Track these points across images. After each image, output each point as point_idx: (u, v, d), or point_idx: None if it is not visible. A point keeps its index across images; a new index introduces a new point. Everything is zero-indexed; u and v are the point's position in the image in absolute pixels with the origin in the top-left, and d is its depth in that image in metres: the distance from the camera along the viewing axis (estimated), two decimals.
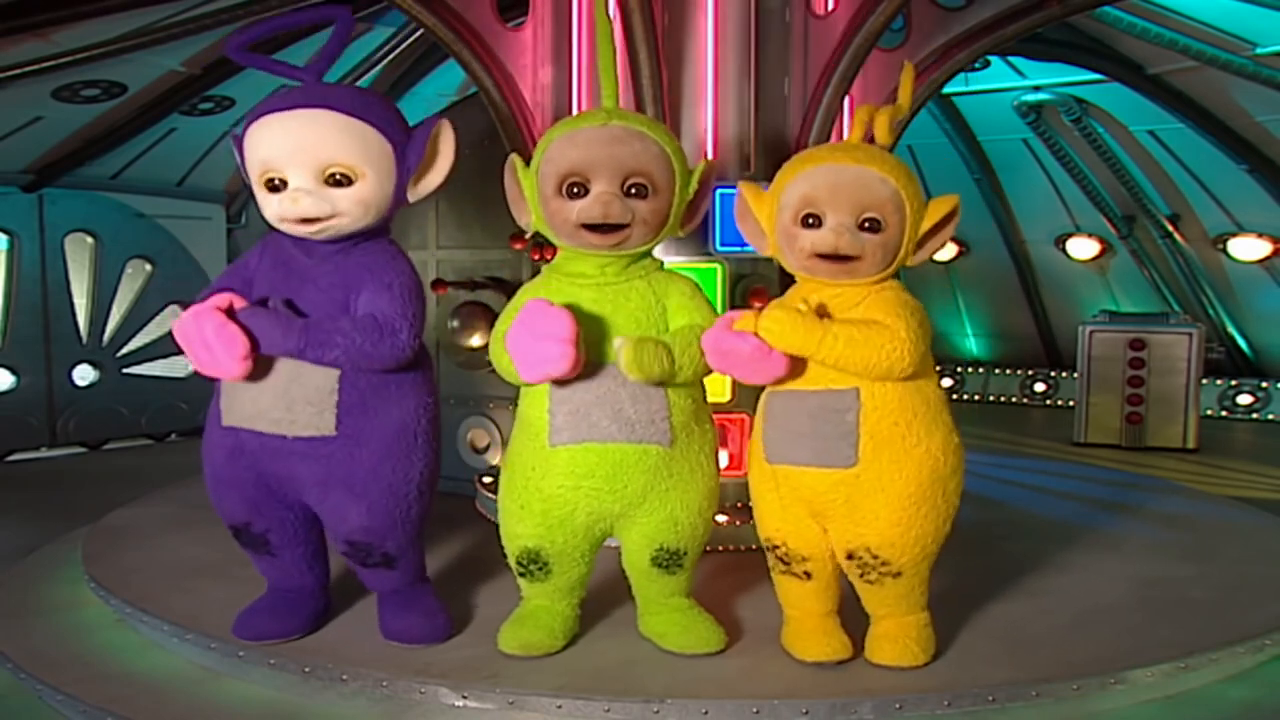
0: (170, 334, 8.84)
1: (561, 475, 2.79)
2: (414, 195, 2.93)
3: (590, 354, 2.73)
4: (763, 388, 2.84)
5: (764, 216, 2.81)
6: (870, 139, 2.78)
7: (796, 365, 2.66)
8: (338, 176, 2.74)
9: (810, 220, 2.66)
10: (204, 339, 2.65)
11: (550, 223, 2.82)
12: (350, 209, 2.78)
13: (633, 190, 2.73)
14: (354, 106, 2.78)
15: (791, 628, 2.97)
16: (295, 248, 2.88)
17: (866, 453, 2.65)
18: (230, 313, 2.69)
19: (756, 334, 2.60)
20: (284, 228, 2.81)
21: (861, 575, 2.78)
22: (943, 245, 2.82)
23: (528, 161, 2.89)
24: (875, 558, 2.73)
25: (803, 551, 2.85)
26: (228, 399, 2.88)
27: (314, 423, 2.80)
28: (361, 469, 2.86)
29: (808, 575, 2.88)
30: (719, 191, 4.03)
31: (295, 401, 2.79)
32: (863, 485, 2.67)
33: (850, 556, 2.77)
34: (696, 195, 2.88)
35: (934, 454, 2.68)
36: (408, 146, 2.85)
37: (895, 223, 2.65)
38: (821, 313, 2.66)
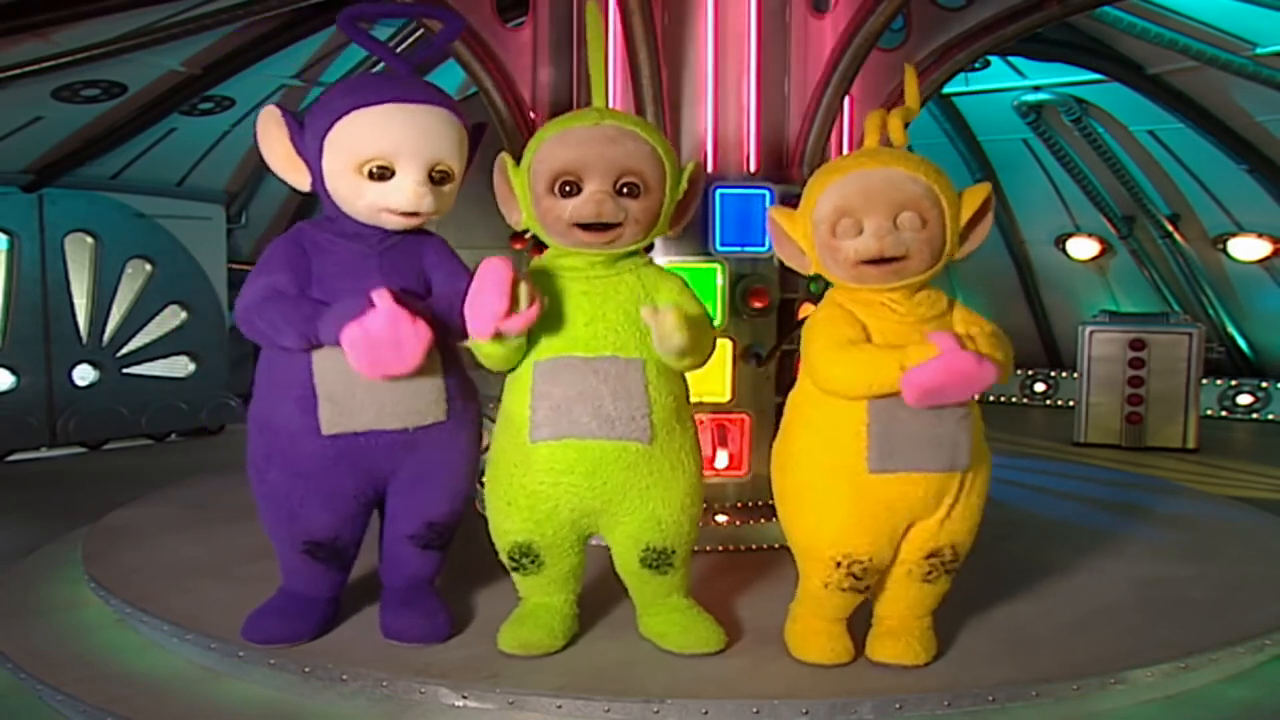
0: (170, 334, 8.80)
1: (542, 471, 2.80)
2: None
3: (573, 348, 2.75)
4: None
5: (800, 236, 2.80)
6: (886, 143, 2.79)
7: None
8: (440, 174, 2.86)
9: (848, 230, 2.66)
10: (397, 337, 2.65)
11: (542, 221, 2.82)
12: (442, 206, 2.91)
13: (625, 189, 2.74)
14: (456, 108, 2.90)
15: (797, 627, 2.96)
16: (344, 240, 2.89)
17: (974, 454, 2.73)
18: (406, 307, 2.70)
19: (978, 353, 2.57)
20: (381, 218, 2.86)
21: (928, 574, 2.81)
22: (985, 236, 2.82)
23: (518, 160, 2.89)
24: (954, 554, 2.81)
25: (883, 564, 2.82)
26: (336, 407, 2.83)
27: (433, 411, 2.89)
28: (462, 452, 3.01)
29: (867, 588, 2.85)
30: (719, 191, 4.04)
31: (419, 394, 2.85)
32: (968, 485, 2.76)
33: (931, 555, 2.80)
34: (686, 195, 2.89)
35: (987, 453, 2.83)
36: (474, 150, 2.98)
37: (934, 218, 2.65)
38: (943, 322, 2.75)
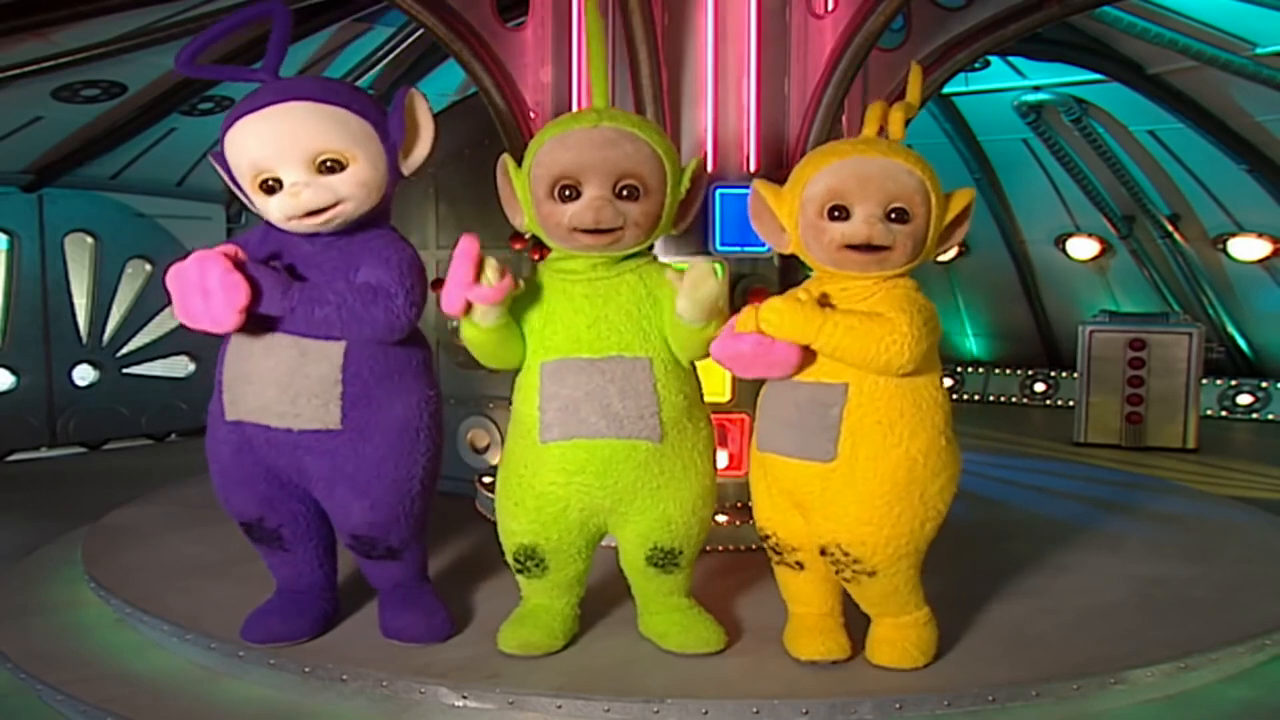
0: (170, 334, 8.78)
1: (553, 471, 2.80)
2: (407, 168, 2.94)
3: (578, 350, 2.76)
4: (763, 383, 2.85)
5: (784, 213, 2.80)
6: (884, 135, 2.80)
7: (808, 357, 2.67)
8: (329, 163, 2.74)
9: (837, 213, 2.67)
10: (205, 285, 2.59)
11: (543, 225, 2.82)
12: (352, 192, 2.78)
13: (624, 192, 2.73)
14: (324, 94, 2.78)
15: (792, 625, 2.98)
16: (296, 237, 2.86)
17: (845, 448, 2.66)
18: (235, 263, 2.64)
19: (759, 329, 2.61)
20: (291, 226, 2.80)
21: (837, 572, 2.79)
22: (962, 237, 2.84)
23: (519, 162, 2.89)
24: (846, 555, 2.72)
25: (791, 542, 2.87)
26: (231, 393, 2.87)
27: (319, 416, 2.80)
28: (366, 463, 2.86)
29: (799, 565, 2.90)
30: (719, 191, 4.04)
31: (300, 394, 2.78)
32: (836, 480, 2.68)
33: (824, 552, 2.77)
34: (689, 194, 2.88)
35: (913, 455, 2.66)
36: (387, 123, 2.85)
37: (922, 214, 2.67)
38: (824, 303, 2.67)
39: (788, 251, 2.87)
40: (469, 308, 2.69)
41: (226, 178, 2.87)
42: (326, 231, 2.83)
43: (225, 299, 2.59)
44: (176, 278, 2.62)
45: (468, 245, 2.63)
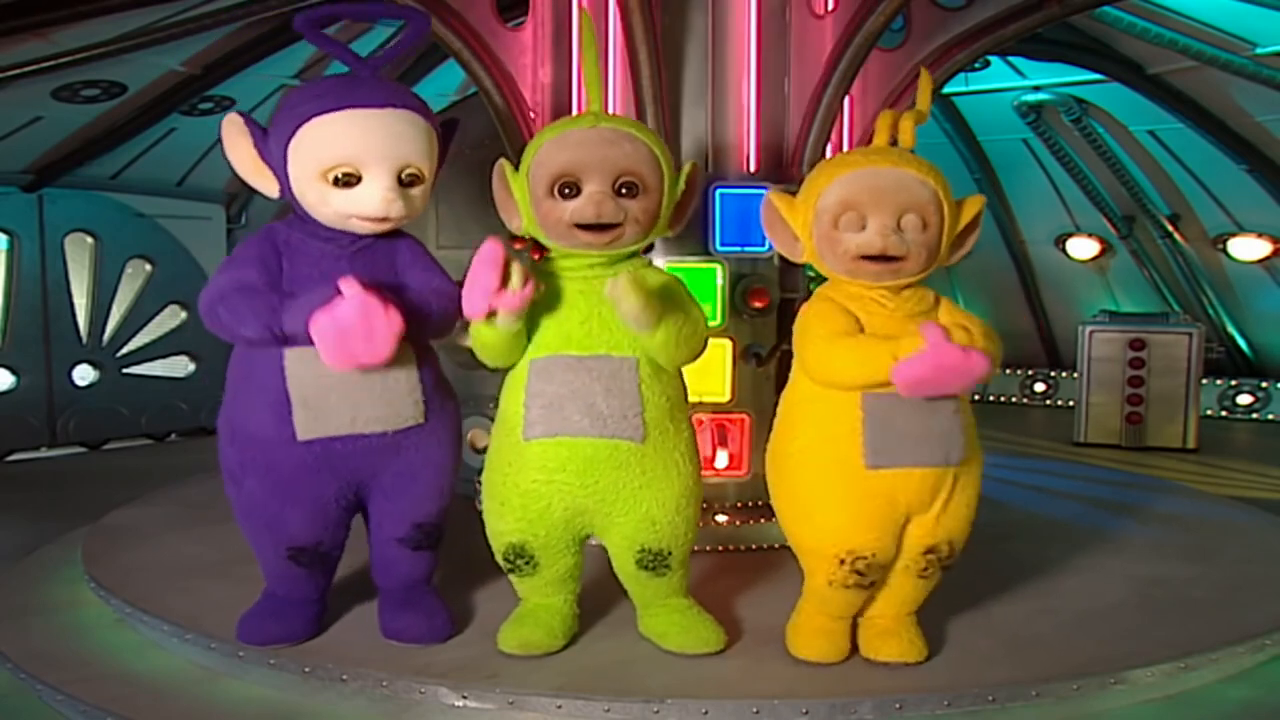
0: (170, 334, 8.79)
1: (535, 469, 2.80)
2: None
3: (567, 347, 2.76)
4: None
5: (798, 223, 2.81)
6: (894, 144, 2.81)
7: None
8: (410, 177, 2.81)
9: (851, 224, 2.68)
10: (368, 325, 2.61)
11: (543, 224, 2.82)
12: (414, 209, 2.87)
13: (624, 190, 2.74)
14: (424, 109, 2.86)
15: (800, 623, 2.96)
16: (316, 241, 2.86)
17: (968, 449, 2.76)
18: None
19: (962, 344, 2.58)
20: (350, 224, 2.82)
21: (924, 570, 2.82)
22: (972, 245, 2.86)
23: (516, 165, 2.89)
24: (951, 550, 2.82)
25: (886, 559, 2.82)
26: (310, 411, 2.79)
27: (412, 413, 2.88)
28: (445, 452, 3.01)
29: (873, 584, 2.84)
30: (719, 191, 4.04)
31: (394, 396, 2.84)
32: (962, 481, 2.78)
33: (929, 551, 2.80)
34: (684, 195, 2.90)
35: (981, 450, 2.85)
36: (445, 148, 2.97)
37: (935, 223, 2.68)
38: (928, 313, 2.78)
39: (802, 261, 2.88)
40: (490, 312, 2.68)
41: (250, 147, 2.83)
42: (350, 233, 2.85)
43: (390, 333, 2.64)
44: (333, 328, 2.59)
45: (494, 250, 2.60)
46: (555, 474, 2.79)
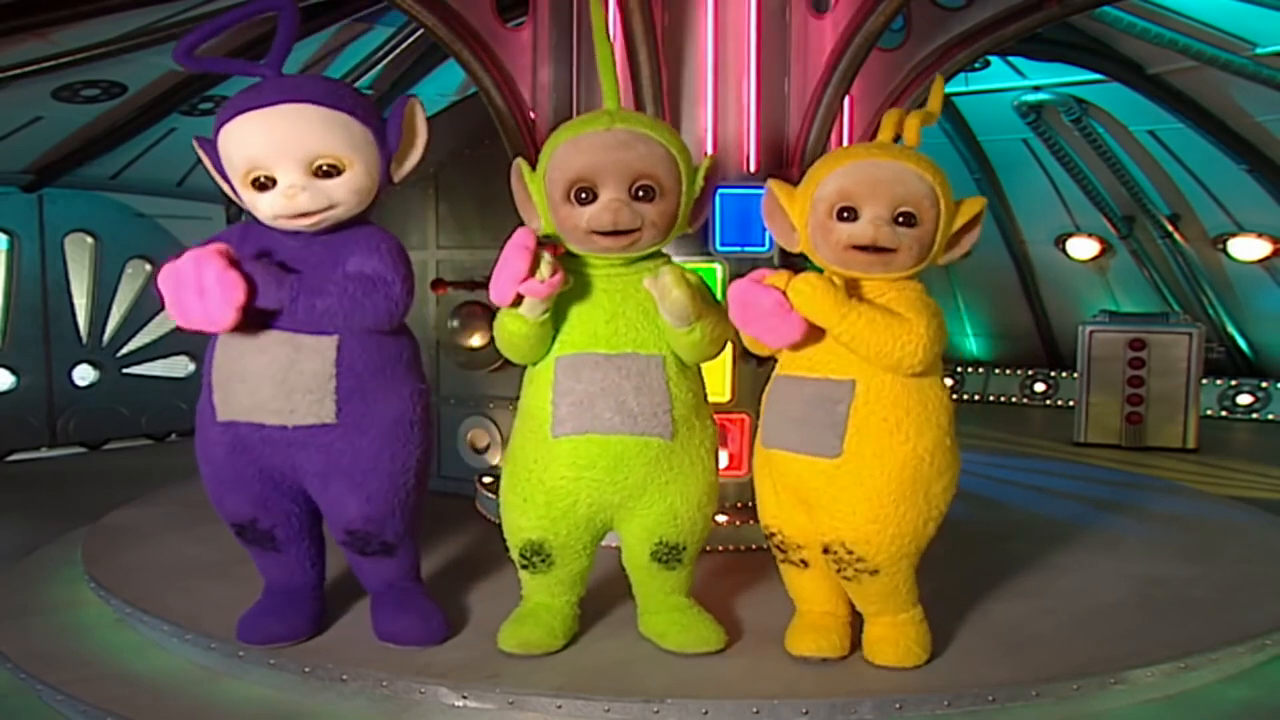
0: (170, 334, 8.77)
1: (564, 466, 2.80)
2: (397, 176, 2.94)
3: (594, 345, 2.76)
4: (765, 381, 2.86)
5: (795, 212, 2.83)
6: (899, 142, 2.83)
7: (808, 339, 2.68)
8: (326, 168, 2.74)
9: (846, 214, 2.69)
10: (200, 283, 2.56)
11: (560, 228, 2.82)
12: (345, 198, 2.79)
13: (640, 194, 2.74)
14: (331, 97, 2.77)
15: (794, 621, 2.99)
16: (278, 233, 2.85)
17: (851, 445, 2.67)
18: (230, 260, 2.62)
19: (784, 292, 2.63)
20: (280, 224, 2.80)
21: (839, 570, 2.78)
22: (971, 246, 2.84)
23: (533, 164, 2.89)
24: (850, 553, 2.72)
25: (796, 539, 2.88)
26: (223, 393, 2.85)
27: (314, 411, 2.80)
28: (362, 456, 2.86)
29: (804, 563, 2.91)
30: (719, 191, 4.03)
31: (294, 390, 2.78)
32: (842, 477, 2.68)
33: (826, 550, 2.77)
34: (702, 192, 2.89)
35: (920, 454, 2.67)
36: (385, 130, 2.85)
37: (930, 219, 2.69)
38: (851, 293, 2.69)
39: (797, 250, 2.89)
40: (516, 300, 2.69)
41: (211, 166, 2.87)
42: (312, 231, 2.83)
43: (223, 296, 2.57)
44: (170, 277, 2.60)
45: (525, 238, 2.61)
46: (585, 471, 2.79)
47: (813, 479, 2.73)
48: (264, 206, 2.77)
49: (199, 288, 2.58)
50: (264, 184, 2.74)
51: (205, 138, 2.86)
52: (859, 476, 2.67)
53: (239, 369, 2.80)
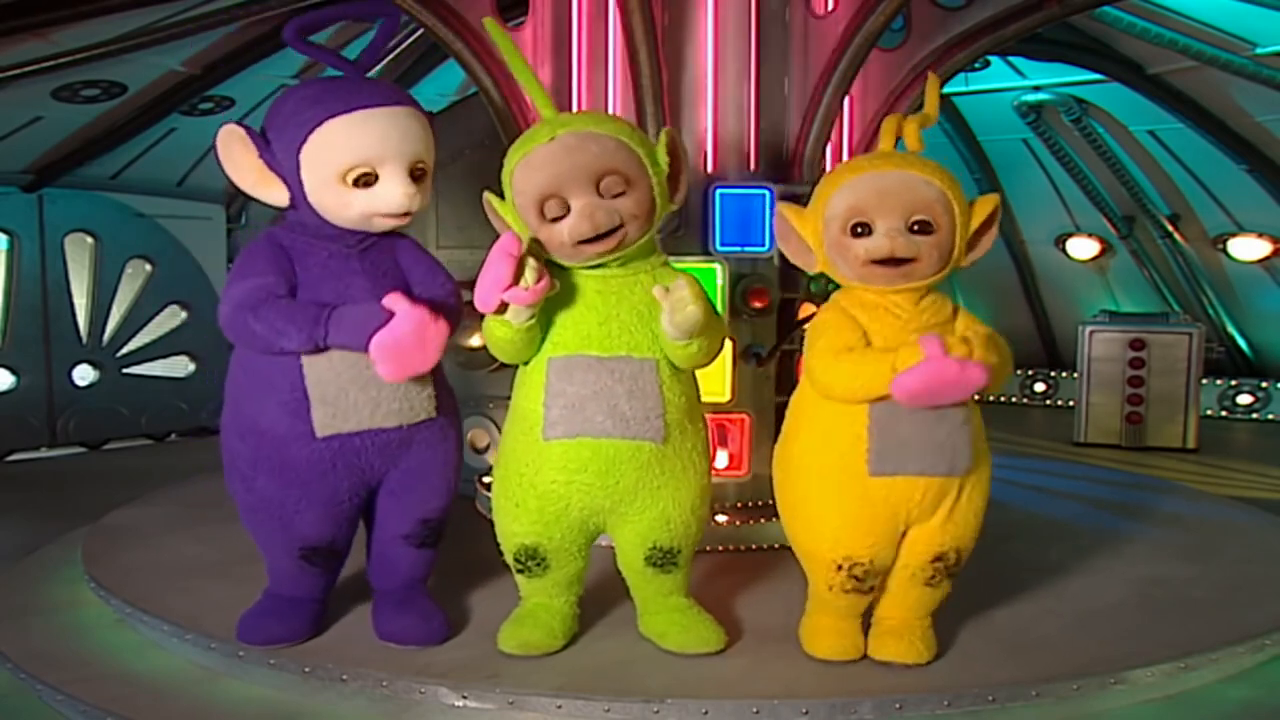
0: (170, 334, 8.77)
1: (555, 470, 2.79)
2: None
3: (587, 347, 2.74)
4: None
5: (809, 233, 2.81)
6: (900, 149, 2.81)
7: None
8: (420, 171, 2.90)
9: (860, 229, 2.67)
10: (423, 339, 2.73)
11: (547, 247, 2.78)
12: (421, 205, 2.94)
13: (609, 191, 2.70)
14: (418, 104, 2.96)
15: (810, 622, 2.97)
16: (322, 242, 2.89)
17: (977, 458, 2.74)
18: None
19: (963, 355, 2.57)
20: (373, 223, 2.89)
21: (931, 578, 2.81)
22: (989, 246, 2.83)
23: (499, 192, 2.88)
24: (959, 558, 2.81)
25: (884, 566, 2.83)
26: (329, 408, 2.81)
27: (426, 407, 2.94)
28: (454, 446, 3.08)
29: (871, 589, 2.86)
30: (719, 191, 4.04)
31: (411, 391, 2.89)
32: (968, 489, 2.76)
33: (937, 559, 2.79)
34: (672, 166, 2.85)
35: (990, 460, 2.84)
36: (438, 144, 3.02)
37: (946, 224, 2.67)
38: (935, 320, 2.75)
39: (816, 271, 2.87)
40: (502, 307, 2.68)
41: (261, 156, 2.84)
42: (355, 232, 2.91)
43: (441, 342, 2.78)
44: (398, 341, 2.72)
45: (510, 244, 2.60)
46: (576, 474, 2.78)
47: (942, 497, 2.74)
48: (363, 203, 2.84)
49: (422, 342, 2.74)
50: (366, 181, 2.82)
51: (250, 128, 2.87)
52: (979, 486, 2.80)
53: (348, 381, 2.81)
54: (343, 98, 2.81)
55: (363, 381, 2.81)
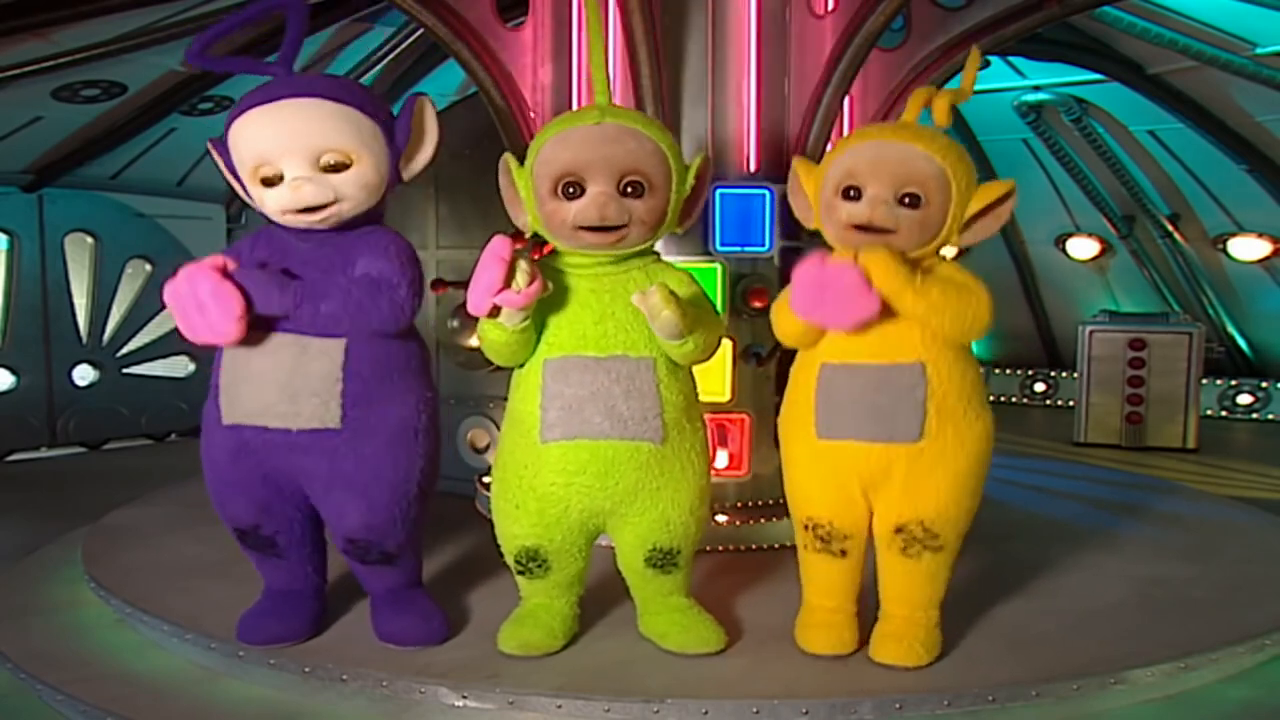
0: (170, 334, 8.78)
1: (553, 472, 2.78)
2: (407, 174, 2.93)
3: (583, 347, 2.73)
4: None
5: (811, 190, 2.84)
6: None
7: (872, 319, 2.64)
8: (333, 163, 2.73)
9: (850, 193, 2.69)
10: (198, 299, 2.60)
11: (547, 224, 2.79)
12: (352, 194, 2.77)
13: (629, 189, 2.70)
14: (337, 92, 2.77)
15: (803, 618, 2.98)
16: (291, 236, 2.85)
17: (932, 428, 2.69)
18: (224, 274, 2.65)
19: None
20: (287, 220, 2.79)
21: (904, 549, 2.79)
22: (996, 229, 2.82)
23: (521, 160, 2.87)
24: (926, 531, 2.77)
25: (846, 529, 2.86)
26: (228, 396, 2.84)
27: (319, 415, 2.77)
28: (365, 464, 2.83)
29: (843, 553, 2.89)
30: (719, 191, 4.04)
31: (299, 393, 2.76)
32: (926, 460, 2.72)
33: (899, 530, 2.78)
34: (693, 191, 2.86)
35: (988, 429, 2.79)
36: (394, 126, 2.85)
37: (938, 201, 2.67)
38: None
39: (813, 226, 2.90)
40: (494, 310, 2.66)
41: (224, 166, 2.87)
42: (321, 229, 2.82)
43: (221, 309, 2.60)
44: (171, 296, 2.64)
45: (501, 247, 2.58)
46: (575, 476, 2.77)
47: (889, 465, 2.73)
48: (271, 202, 2.77)
49: (198, 304, 2.61)
50: (271, 180, 2.74)
51: (218, 138, 2.86)
52: (943, 457, 2.72)
53: (246, 371, 2.79)
54: (248, 99, 2.77)
55: (254, 375, 2.77)
